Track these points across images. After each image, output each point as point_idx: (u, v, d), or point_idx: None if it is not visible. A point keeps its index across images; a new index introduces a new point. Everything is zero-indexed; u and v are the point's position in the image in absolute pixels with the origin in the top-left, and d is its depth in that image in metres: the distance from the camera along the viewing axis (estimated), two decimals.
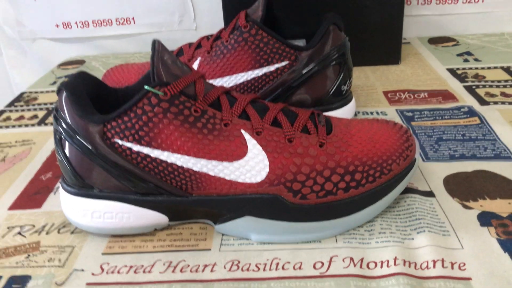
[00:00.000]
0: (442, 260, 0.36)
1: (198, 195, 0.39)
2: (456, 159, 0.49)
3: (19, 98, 0.76)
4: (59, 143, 0.40)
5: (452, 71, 0.72)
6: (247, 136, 0.38)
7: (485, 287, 0.34)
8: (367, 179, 0.39)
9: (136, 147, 0.37)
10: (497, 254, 0.36)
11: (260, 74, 0.53)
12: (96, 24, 0.93)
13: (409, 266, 0.36)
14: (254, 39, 0.52)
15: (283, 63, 0.52)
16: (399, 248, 0.37)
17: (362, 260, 0.37)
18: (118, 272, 0.38)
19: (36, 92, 0.78)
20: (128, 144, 0.37)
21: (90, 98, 0.40)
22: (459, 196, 0.43)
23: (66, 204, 0.41)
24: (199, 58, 0.55)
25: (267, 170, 0.38)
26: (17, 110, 0.71)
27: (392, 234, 0.39)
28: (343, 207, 0.38)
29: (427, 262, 0.36)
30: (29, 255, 0.40)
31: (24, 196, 0.49)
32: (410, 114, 0.60)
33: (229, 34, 0.53)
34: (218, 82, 0.54)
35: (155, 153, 0.37)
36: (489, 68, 0.73)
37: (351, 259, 0.37)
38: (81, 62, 0.92)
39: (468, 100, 0.62)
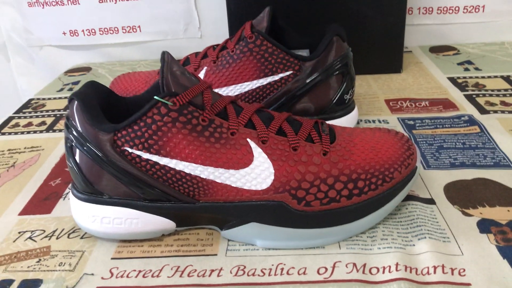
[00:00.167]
0: (443, 266, 0.37)
1: (205, 202, 0.40)
2: (456, 167, 0.50)
3: (27, 105, 0.77)
4: (70, 150, 0.41)
5: (452, 80, 0.74)
6: (253, 144, 0.39)
7: None
8: (369, 186, 0.40)
9: (145, 155, 0.38)
10: (496, 260, 0.37)
11: (264, 83, 0.54)
12: (103, 32, 0.94)
13: (410, 272, 0.37)
14: (259, 49, 0.53)
15: (287, 73, 0.54)
16: (400, 254, 0.38)
17: (364, 265, 0.38)
18: (127, 276, 0.39)
19: (43, 99, 0.80)
20: (138, 152, 0.38)
21: (100, 106, 0.41)
22: (459, 203, 0.44)
23: (76, 210, 0.42)
24: (205, 68, 0.56)
25: (272, 177, 0.39)
26: (25, 117, 0.73)
27: (393, 240, 0.40)
28: (346, 214, 0.40)
29: (428, 267, 0.37)
30: (40, 260, 0.41)
31: (34, 202, 0.50)
32: (412, 122, 0.61)
33: (234, 44, 0.55)
34: (223, 91, 0.55)
35: (163, 161, 0.38)
36: (489, 77, 0.74)
37: (354, 264, 0.38)
38: (87, 69, 0.93)
39: (469, 109, 0.63)
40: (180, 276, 0.38)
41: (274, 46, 0.53)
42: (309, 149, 0.40)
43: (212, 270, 0.39)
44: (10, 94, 1.03)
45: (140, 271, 0.39)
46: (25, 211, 0.48)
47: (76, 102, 0.40)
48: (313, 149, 0.40)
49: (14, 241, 0.44)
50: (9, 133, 0.67)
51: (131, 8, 0.91)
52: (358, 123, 0.62)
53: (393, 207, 0.42)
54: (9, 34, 0.97)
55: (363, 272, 0.37)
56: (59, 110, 0.74)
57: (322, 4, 0.73)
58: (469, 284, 0.35)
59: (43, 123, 0.70)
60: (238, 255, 0.40)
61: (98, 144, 0.39)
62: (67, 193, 0.51)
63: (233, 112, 0.40)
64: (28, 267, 0.40)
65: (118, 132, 0.38)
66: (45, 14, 0.93)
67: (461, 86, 0.71)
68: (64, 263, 0.41)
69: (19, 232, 0.45)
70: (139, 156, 0.39)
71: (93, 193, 0.41)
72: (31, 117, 0.72)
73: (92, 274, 0.39)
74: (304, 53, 0.60)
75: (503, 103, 0.65)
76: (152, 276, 0.39)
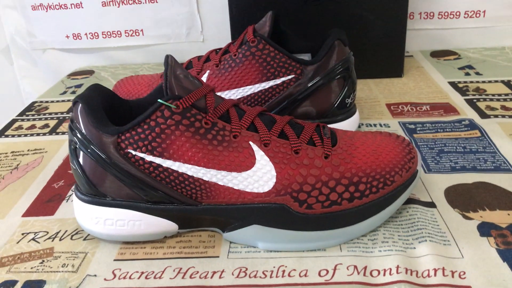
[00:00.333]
0: (443, 269, 0.37)
1: (207, 204, 0.40)
2: (457, 171, 0.51)
3: (30, 108, 0.78)
4: (74, 152, 0.41)
5: (453, 85, 0.74)
6: (255, 147, 0.39)
7: None
8: (370, 190, 0.40)
9: (148, 157, 0.39)
10: (496, 263, 0.38)
11: (267, 87, 0.54)
12: (106, 36, 0.95)
13: (411, 274, 0.37)
14: (262, 53, 0.54)
15: (289, 77, 0.54)
16: (401, 257, 0.39)
17: (365, 268, 0.38)
18: (130, 277, 0.39)
19: (46, 102, 0.80)
20: (141, 155, 0.39)
21: (104, 109, 0.42)
22: (459, 207, 0.45)
23: (80, 211, 0.43)
24: (208, 71, 0.57)
25: (274, 180, 0.39)
26: (28, 119, 0.73)
27: (394, 243, 0.41)
28: (348, 217, 0.40)
29: (428, 270, 0.37)
30: (43, 261, 0.42)
31: (37, 204, 0.50)
32: (413, 126, 0.61)
33: (237, 48, 0.55)
34: (226, 94, 0.55)
35: (167, 163, 0.39)
36: (489, 81, 0.74)
37: (355, 267, 0.38)
38: (90, 72, 0.94)
39: (469, 113, 0.64)
40: (182, 277, 0.39)
41: (276, 50, 0.54)
42: (310, 152, 0.40)
43: (214, 272, 0.39)
44: (13, 96, 1.04)
45: (142, 273, 0.40)
46: (29, 213, 0.49)
47: (80, 104, 0.40)
48: (314, 152, 0.40)
49: (17, 243, 0.44)
50: (13, 136, 0.68)
51: (134, 12, 0.92)
52: (359, 126, 0.62)
53: (394, 210, 0.42)
54: (13, 37, 0.98)
55: (364, 275, 0.38)
56: (62, 113, 0.75)
57: (324, 8, 0.74)
58: (469, 287, 0.36)
59: (46, 125, 0.70)
60: (240, 257, 0.41)
61: (101, 146, 0.39)
62: (70, 195, 0.51)
63: (235, 115, 0.40)
64: (32, 268, 0.41)
65: (121, 135, 0.39)
66: (49, 18, 0.94)
67: (462, 91, 0.71)
68: (67, 264, 0.41)
69: (23, 234, 0.45)
70: (142, 159, 0.39)
71: (96, 195, 0.41)
72: (34, 119, 0.73)
73: (95, 276, 0.40)
74: (306, 57, 0.60)
75: (503, 107, 0.65)
76: (155, 277, 0.39)
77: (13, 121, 0.73)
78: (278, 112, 0.55)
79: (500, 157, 0.52)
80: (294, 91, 0.54)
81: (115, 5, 0.92)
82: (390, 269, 0.38)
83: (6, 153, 0.62)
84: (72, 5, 0.92)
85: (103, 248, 0.43)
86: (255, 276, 0.38)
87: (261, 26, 0.56)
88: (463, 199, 0.46)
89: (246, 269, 0.39)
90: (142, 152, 0.39)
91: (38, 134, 0.67)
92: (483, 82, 0.74)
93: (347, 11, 0.74)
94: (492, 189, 0.47)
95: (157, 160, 0.39)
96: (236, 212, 0.40)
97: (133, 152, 0.39)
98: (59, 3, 0.92)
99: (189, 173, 0.39)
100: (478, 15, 0.88)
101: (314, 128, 0.42)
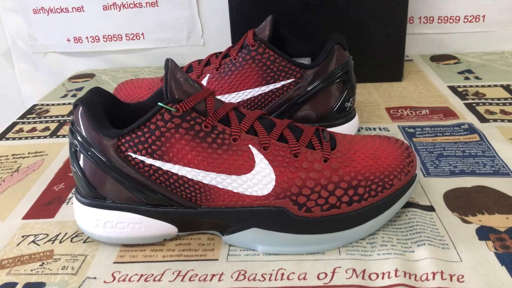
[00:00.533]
0: (442, 272, 0.37)
1: (207, 207, 0.41)
2: (456, 175, 0.51)
3: (31, 111, 0.78)
4: (74, 155, 0.41)
5: (453, 89, 0.74)
6: (254, 151, 0.39)
7: None
8: (369, 193, 0.40)
9: (148, 161, 0.39)
10: (494, 267, 0.38)
11: (266, 90, 0.55)
12: (106, 39, 0.95)
13: (410, 278, 0.37)
14: (262, 57, 0.54)
15: (289, 80, 0.54)
16: (400, 260, 0.39)
17: (364, 271, 0.38)
18: (129, 280, 0.39)
19: (47, 105, 0.80)
20: (141, 158, 0.39)
21: (105, 112, 0.42)
22: (458, 210, 0.45)
23: (80, 214, 0.43)
24: (208, 75, 0.57)
25: (274, 183, 0.39)
26: (29, 122, 0.73)
27: (393, 246, 0.41)
28: (346, 220, 0.40)
29: (427, 274, 0.37)
30: (43, 263, 0.42)
31: (37, 206, 0.50)
32: (412, 130, 0.61)
33: (237, 52, 0.56)
34: (226, 98, 0.55)
35: (166, 166, 0.39)
36: (489, 86, 0.74)
37: (354, 270, 0.39)
38: (91, 75, 0.94)
39: (468, 117, 0.64)
40: (182, 280, 0.39)
41: (276, 54, 0.54)
42: (310, 155, 0.40)
43: (213, 275, 0.39)
44: (14, 99, 1.04)
45: (142, 275, 0.40)
46: (29, 215, 0.49)
47: (81, 108, 0.40)
48: (314, 156, 0.40)
49: (17, 245, 0.44)
50: (13, 138, 0.68)
51: (134, 16, 0.93)
52: (358, 130, 0.62)
53: (393, 214, 0.42)
54: (14, 40, 0.98)
55: (363, 278, 0.38)
56: (62, 116, 0.75)
57: (324, 13, 0.74)
58: None
59: (47, 128, 0.71)
60: (239, 260, 0.41)
61: (102, 149, 0.39)
62: (70, 198, 0.51)
63: (235, 119, 0.40)
64: (31, 270, 0.41)
65: (122, 138, 0.39)
66: (50, 21, 0.94)
67: (461, 95, 0.72)
68: (67, 267, 0.41)
69: (23, 236, 0.46)
70: (142, 162, 0.39)
71: (96, 198, 0.42)
72: (35, 122, 0.73)
73: (95, 278, 0.40)
74: (306, 61, 0.61)
75: (503, 111, 0.65)
76: (154, 280, 0.39)
77: (14, 123, 0.73)
78: (277, 116, 0.55)
79: (499, 161, 0.53)
80: (293, 95, 0.55)
81: (116, 8, 0.92)
82: (389, 272, 0.38)
83: (6, 156, 0.62)
84: (73, 9, 0.93)
85: (103, 251, 0.43)
86: (254, 279, 0.38)
87: (261, 30, 0.57)
88: (462, 203, 0.46)
89: (245, 272, 0.39)
90: (142, 155, 0.39)
91: (38, 137, 0.68)
92: (483, 86, 0.75)
93: (346, 16, 0.74)
94: (491, 193, 0.47)
95: (157, 163, 0.39)
96: (235, 215, 0.40)
97: (133, 155, 0.39)
98: (60, 7, 0.92)
99: (189, 176, 0.39)
100: (477, 19, 0.89)
101: (314, 131, 0.43)
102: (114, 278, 0.40)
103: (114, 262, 0.41)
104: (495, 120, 0.62)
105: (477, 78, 0.78)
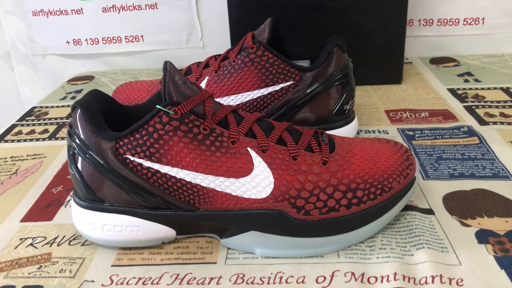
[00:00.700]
0: (441, 276, 0.37)
1: (205, 210, 0.40)
2: (455, 177, 0.51)
3: (30, 113, 0.78)
4: (72, 158, 0.41)
5: (452, 91, 0.74)
6: (253, 153, 0.39)
7: None
8: (368, 196, 0.40)
9: (146, 163, 0.39)
10: (493, 270, 0.38)
11: (265, 93, 0.54)
12: (106, 41, 0.95)
13: (409, 281, 0.37)
14: (260, 59, 0.54)
15: (288, 83, 0.54)
16: (399, 264, 0.39)
17: (363, 275, 0.38)
18: (127, 283, 0.39)
19: (46, 107, 0.80)
20: (139, 160, 0.39)
21: (103, 115, 0.42)
22: (457, 214, 0.45)
23: (78, 217, 0.43)
24: (207, 77, 0.57)
25: (272, 186, 0.39)
26: (28, 125, 0.73)
27: (392, 250, 0.41)
28: (345, 223, 0.40)
29: (426, 277, 0.37)
30: (41, 266, 0.42)
31: (35, 209, 0.50)
32: (411, 133, 0.61)
33: (236, 54, 0.55)
34: (225, 100, 0.55)
35: (165, 169, 0.39)
36: (488, 88, 0.74)
37: (353, 273, 0.38)
38: (90, 77, 0.94)
39: (468, 120, 0.64)
40: (180, 283, 0.39)
41: (275, 56, 0.54)
42: (308, 158, 0.40)
43: (212, 278, 0.39)
44: (13, 102, 1.04)
45: (140, 279, 0.40)
46: (27, 218, 0.49)
47: (79, 110, 0.40)
48: (312, 159, 0.40)
49: (15, 248, 0.44)
50: (12, 141, 0.68)
51: (134, 18, 0.93)
52: (358, 133, 0.62)
53: (392, 217, 0.42)
54: (13, 43, 0.98)
55: (362, 281, 0.37)
56: (61, 118, 0.75)
57: (323, 15, 0.74)
58: None
59: (46, 131, 0.70)
60: (237, 263, 0.41)
61: (100, 152, 0.39)
62: (69, 201, 0.51)
63: (233, 121, 0.40)
64: (29, 273, 0.41)
65: (120, 140, 0.39)
66: (49, 23, 0.94)
67: (461, 98, 0.72)
68: (65, 270, 0.41)
69: (21, 239, 0.45)
70: (140, 164, 0.39)
71: (94, 201, 0.42)
72: (33, 125, 0.73)
73: (93, 281, 0.40)
74: (305, 63, 0.61)
75: (502, 114, 0.65)
76: (152, 283, 0.39)
77: (13, 126, 0.73)
78: (276, 119, 0.55)
79: (499, 164, 0.52)
80: (292, 98, 0.54)
81: (116, 11, 0.92)
82: (388, 276, 0.38)
83: (5, 158, 0.62)
84: (73, 11, 0.93)
85: (101, 254, 0.43)
86: (252, 283, 0.38)
87: (260, 32, 0.57)
88: (461, 206, 0.46)
89: (244, 275, 0.39)
90: (140, 157, 0.39)
91: (37, 139, 0.68)
92: (482, 89, 0.74)
93: (346, 18, 0.74)
94: (490, 196, 0.47)
95: (155, 166, 0.39)
96: (233, 218, 0.40)
97: (131, 158, 0.39)
98: (59, 9, 0.92)
99: (187, 179, 0.39)
100: (477, 22, 0.89)
101: (312, 134, 0.42)
102: (112, 281, 0.39)
103: (112, 265, 0.41)
104: (494, 123, 0.62)
105: (476, 80, 0.78)
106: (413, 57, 0.92)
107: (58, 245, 0.44)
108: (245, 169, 0.39)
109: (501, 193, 0.47)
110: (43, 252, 0.43)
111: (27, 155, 0.63)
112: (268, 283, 0.38)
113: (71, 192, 0.53)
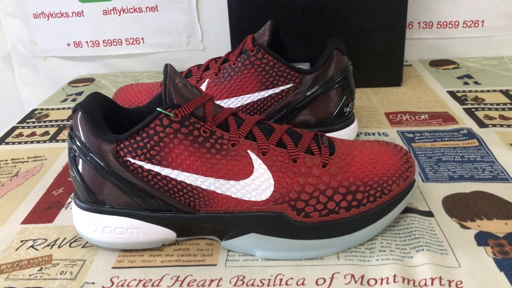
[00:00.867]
0: (440, 278, 0.37)
1: (205, 212, 0.41)
2: (455, 180, 0.51)
3: (30, 115, 0.78)
4: (73, 160, 0.42)
5: (452, 94, 0.74)
6: (253, 156, 0.40)
7: None
8: (368, 198, 0.40)
9: (147, 166, 0.39)
10: (493, 273, 0.38)
11: (265, 95, 0.55)
12: (106, 44, 0.96)
13: (408, 284, 0.37)
14: (261, 62, 0.54)
15: (288, 86, 0.54)
16: (398, 266, 0.39)
17: (362, 277, 0.38)
18: (128, 285, 0.39)
19: (47, 109, 0.80)
20: (140, 163, 0.39)
21: (104, 117, 0.42)
22: (457, 216, 0.45)
23: (78, 219, 0.43)
24: (207, 80, 0.57)
25: (272, 189, 0.39)
26: (29, 127, 0.73)
27: (392, 252, 0.41)
28: (345, 226, 0.40)
29: (426, 279, 0.37)
30: (41, 268, 0.42)
31: (36, 211, 0.50)
32: (411, 135, 0.62)
33: (236, 57, 0.56)
34: (225, 103, 0.56)
35: (165, 171, 0.39)
36: (488, 91, 0.75)
37: (352, 275, 0.38)
38: (91, 80, 0.95)
39: (468, 123, 0.64)
40: (180, 285, 0.39)
41: (275, 59, 0.54)
42: (308, 161, 0.40)
43: (212, 280, 0.39)
44: (14, 104, 1.04)
45: (140, 280, 0.40)
46: (28, 220, 0.49)
47: (80, 113, 0.40)
48: (312, 161, 0.40)
49: (16, 250, 0.44)
50: (13, 143, 0.68)
51: (134, 21, 0.93)
52: (357, 135, 0.62)
53: (392, 219, 0.42)
54: (14, 45, 0.99)
55: (361, 283, 0.38)
56: (62, 120, 0.75)
57: (323, 18, 0.74)
58: None
59: (47, 133, 0.71)
60: (237, 266, 0.41)
61: (100, 154, 0.39)
62: (69, 203, 0.51)
63: (234, 124, 0.41)
64: (30, 275, 0.41)
65: (120, 143, 0.39)
66: (50, 26, 0.94)
67: (461, 100, 0.72)
68: (66, 272, 0.41)
69: (21, 241, 0.46)
70: (141, 167, 0.39)
71: (95, 203, 0.42)
72: (34, 127, 0.73)
73: (93, 283, 0.40)
74: (305, 66, 0.61)
75: (502, 117, 0.65)
76: (152, 285, 0.39)
77: (14, 128, 0.73)
78: (276, 121, 0.55)
79: (498, 167, 0.53)
80: (292, 100, 0.55)
81: (116, 13, 0.92)
82: (387, 278, 0.38)
83: (6, 160, 0.62)
84: (73, 13, 0.93)
85: (101, 256, 0.43)
86: (252, 285, 0.38)
87: (260, 35, 0.57)
88: (461, 208, 0.46)
89: (244, 277, 0.39)
90: (140, 160, 0.39)
91: (38, 142, 0.68)
92: (482, 91, 0.75)
93: (346, 21, 0.74)
94: (489, 198, 0.47)
95: (156, 168, 0.39)
96: (234, 221, 0.40)
97: (132, 160, 0.39)
98: (60, 11, 0.93)
99: (188, 181, 0.39)
100: (476, 24, 0.89)
101: (312, 137, 0.43)
102: (113, 283, 0.40)
103: (112, 267, 0.41)
104: (494, 125, 0.63)
105: (476, 83, 0.78)
106: (412, 59, 0.92)
107: (58, 247, 0.44)
108: (245, 171, 0.39)
109: (501, 195, 0.47)
110: (43, 254, 0.43)
111: (28, 157, 0.63)
112: (268, 285, 0.38)
113: (72, 194, 0.52)
